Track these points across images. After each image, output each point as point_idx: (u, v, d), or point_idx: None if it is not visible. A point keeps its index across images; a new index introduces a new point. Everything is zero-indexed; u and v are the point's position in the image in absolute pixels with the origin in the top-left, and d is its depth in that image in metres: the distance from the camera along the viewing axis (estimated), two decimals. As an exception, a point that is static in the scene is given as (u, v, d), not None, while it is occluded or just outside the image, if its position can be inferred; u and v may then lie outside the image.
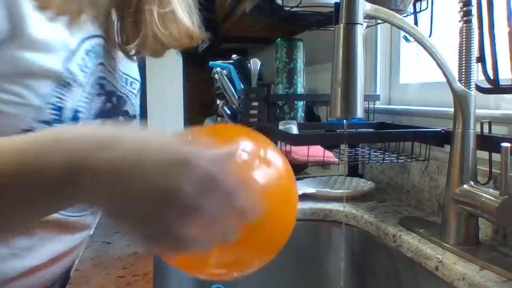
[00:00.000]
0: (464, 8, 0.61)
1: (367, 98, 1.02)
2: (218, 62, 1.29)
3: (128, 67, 0.63)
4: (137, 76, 0.66)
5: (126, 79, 0.62)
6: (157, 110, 2.18)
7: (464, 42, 0.62)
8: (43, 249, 0.54)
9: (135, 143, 0.33)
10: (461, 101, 0.62)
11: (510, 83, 0.63)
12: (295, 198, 0.47)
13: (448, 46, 0.81)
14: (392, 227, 0.72)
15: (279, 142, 0.98)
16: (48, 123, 0.48)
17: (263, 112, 0.99)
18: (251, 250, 0.43)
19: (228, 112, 1.26)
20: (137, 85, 0.65)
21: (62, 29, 0.49)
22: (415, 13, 0.90)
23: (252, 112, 0.99)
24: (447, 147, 0.67)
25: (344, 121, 0.84)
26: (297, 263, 0.87)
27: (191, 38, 0.62)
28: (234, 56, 1.28)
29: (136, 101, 0.64)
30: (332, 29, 0.58)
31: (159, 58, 0.64)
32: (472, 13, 0.61)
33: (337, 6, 0.58)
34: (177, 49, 0.63)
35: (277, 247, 0.46)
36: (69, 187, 0.32)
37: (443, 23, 0.88)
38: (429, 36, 0.77)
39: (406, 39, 0.93)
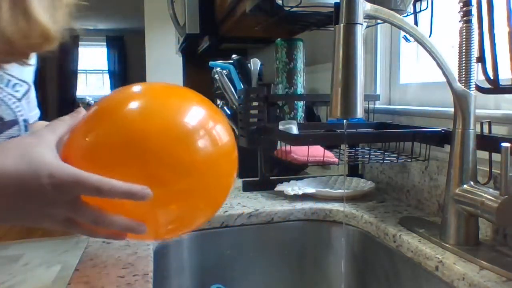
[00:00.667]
0: (464, 8, 0.61)
1: (367, 98, 1.02)
2: (218, 62, 1.29)
3: (15, 67, 0.55)
4: (27, 78, 0.57)
5: (9, 80, 0.54)
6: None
7: (464, 42, 0.62)
8: None
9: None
10: (461, 101, 0.62)
11: (510, 83, 0.63)
12: (230, 170, 0.53)
13: (448, 46, 0.81)
14: (392, 227, 0.72)
15: (279, 142, 0.98)
16: None
17: (263, 112, 0.99)
18: (186, 211, 0.50)
19: (228, 112, 1.26)
20: (22, 88, 0.56)
21: None
22: (415, 13, 0.90)
23: (252, 112, 0.99)
24: (447, 147, 0.67)
25: (344, 121, 0.84)
26: (297, 263, 0.87)
27: (46, 38, 0.51)
28: (234, 56, 1.28)
29: (20, 105, 0.56)
30: (332, 29, 0.58)
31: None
32: (472, 13, 0.61)
33: (337, 6, 0.58)
34: (29, 51, 0.53)
35: (209, 210, 0.54)
36: None
37: (443, 23, 0.88)
38: (429, 36, 0.77)
39: (406, 39, 0.93)
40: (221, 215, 0.81)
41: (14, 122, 0.54)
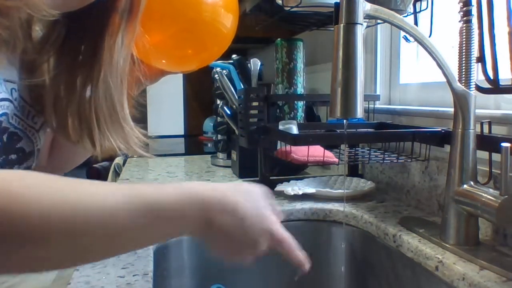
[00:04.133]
0: (464, 8, 0.61)
1: (367, 98, 1.02)
2: (218, 62, 1.29)
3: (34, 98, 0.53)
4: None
5: (29, 111, 0.52)
6: (157, 110, 2.18)
7: (464, 42, 0.62)
8: None
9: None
10: (461, 101, 0.62)
11: (510, 83, 0.63)
12: (231, 13, 0.67)
13: (448, 46, 0.81)
14: (392, 227, 0.72)
15: (279, 142, 0.98)
16: None
17: (263, 112, 0.99)
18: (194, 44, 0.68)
19: (228, 112, 1.26)
20: (40, 120, 0.55)
21: None
22: (415, 13, 0.90)
23: (252, 112, 0.99)
24: (447, 147, 0.68)
25: (344, 121, 0.84)
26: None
27: None
28: (234, 56, 1.28)
29: (37, 136, 0.54)
30: (332, 29, 0.58)
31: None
32: (472, 13, 0.61)
33: (337, 6, 0.58)
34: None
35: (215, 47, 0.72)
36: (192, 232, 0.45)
37: (443, 23, 0.88)
38: (429, 36, 0.77)
39: (406, 39, 0.93)
40: (221, 215, 0.81)
41: (32, 153, 0.54)
